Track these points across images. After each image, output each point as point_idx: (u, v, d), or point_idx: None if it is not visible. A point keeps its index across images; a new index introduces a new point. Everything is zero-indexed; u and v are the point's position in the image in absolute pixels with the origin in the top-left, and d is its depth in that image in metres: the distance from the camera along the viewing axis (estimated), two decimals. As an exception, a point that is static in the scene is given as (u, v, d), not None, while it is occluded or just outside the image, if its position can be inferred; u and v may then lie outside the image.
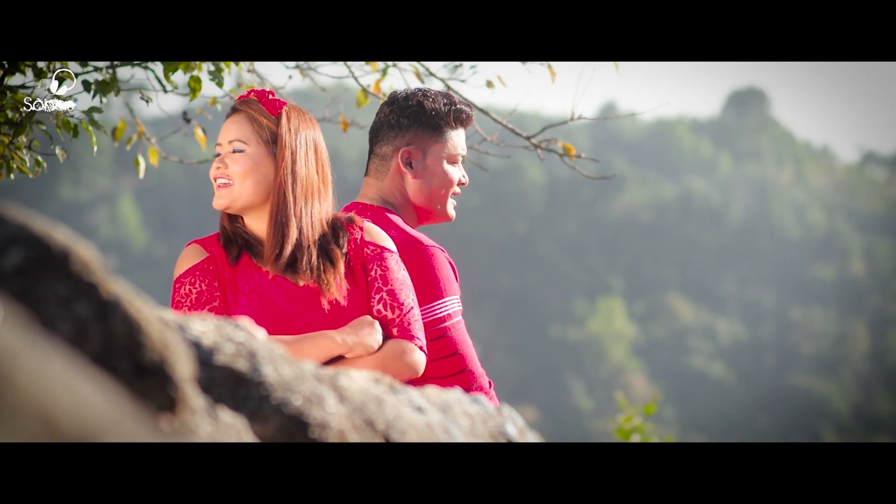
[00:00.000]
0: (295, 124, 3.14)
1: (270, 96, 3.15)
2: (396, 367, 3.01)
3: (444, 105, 3.48)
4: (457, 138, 3.52)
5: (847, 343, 56.66)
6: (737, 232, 60.85)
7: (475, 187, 53.34)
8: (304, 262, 3.07)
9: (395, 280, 3.11)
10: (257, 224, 3.13)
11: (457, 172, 3.52)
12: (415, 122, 3.47)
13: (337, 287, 3.07)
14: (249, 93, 3.18)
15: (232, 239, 3.12)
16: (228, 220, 3.14)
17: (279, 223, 3.08)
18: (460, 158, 3.54)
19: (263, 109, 3.13)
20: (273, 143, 3.11)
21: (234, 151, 3.11)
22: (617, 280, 58.06)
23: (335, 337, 2.99)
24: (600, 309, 55.42)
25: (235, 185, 3.10)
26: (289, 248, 3.07)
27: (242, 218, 3.15)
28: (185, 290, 3.05)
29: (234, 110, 3.16)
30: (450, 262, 3.39)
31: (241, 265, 3.09)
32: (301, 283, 3.07)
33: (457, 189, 3.53)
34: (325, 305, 3.06)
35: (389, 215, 3.41)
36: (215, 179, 3.12)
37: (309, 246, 3.08)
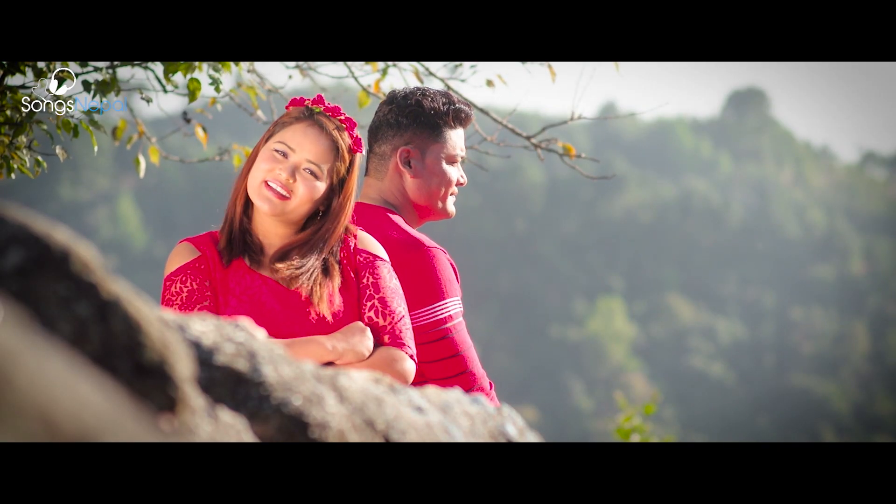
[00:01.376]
0: (358, 163, 3.17)
1: (355, 132, 3.14)
2: (386, 374, 3.00)
3: (444, 104, 3.48)
4: (456, 138, 3.51)
5: (847, 343, 56.66)
6: (737, 232, 60.84)
7: (475, 187, 53.32)
8: (303, 275, 3.07)
9: (386, 288, 3.11)
10: (273, 227, 3.11)
11: (455, 172, 3.51)
12: (414, 121, 3.46)
13: (328, 300, 3.07)
14: (340, 115, 3.14)
15: (234, 240, 3.10)
16: (240, 221, 3.11)
17: (315, 246, 3.09)
18: (459, 158, 3.53)
19: (349, 147, 3.12)
20: (339, 182, 3.12)
21: (308, 171, 3.08)
22: (617, 280, 58.05)
23: (325, 343, 2.99)
24: (600, 309, 55.41)
25: (293, 202, 3.07)
26: (306, 265, 3.08)
27: (253, 220, 3.13)
28: (175, 287, 3.04)
29: (325, 130, 3.10)
30: (451, 264, 3.38)
31: (233, 266, 3.08)
32: (293, 288, 3.07)
33: (455, 189, 3.53)
34: (314, 313, 3.06)
35: (391, 216, 3.41)
36: (274, 182, 3.06)
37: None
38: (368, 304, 3.10)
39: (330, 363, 2.98)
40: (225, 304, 3.03)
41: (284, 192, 3.06)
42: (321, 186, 3.09)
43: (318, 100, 3.15)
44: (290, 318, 3.04)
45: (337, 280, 3.10)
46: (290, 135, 3.10)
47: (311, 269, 3.07)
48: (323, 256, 3.10)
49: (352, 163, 3.13)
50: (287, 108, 3.18)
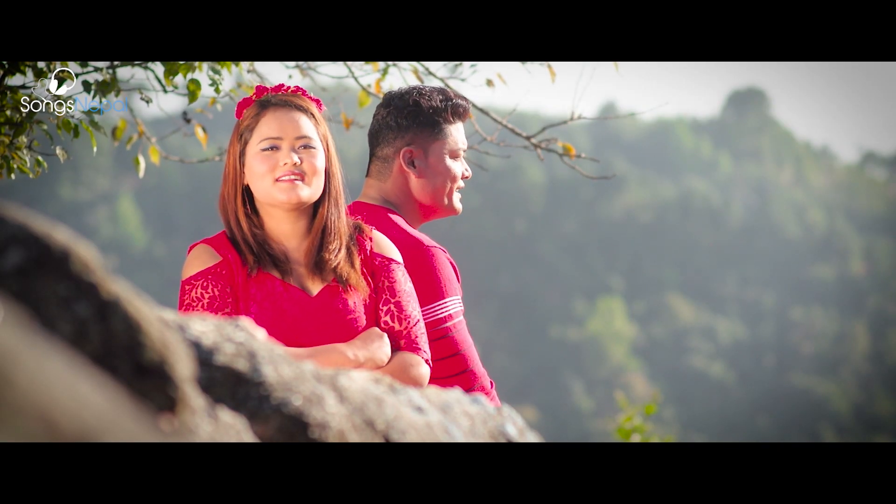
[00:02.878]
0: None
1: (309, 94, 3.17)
2: (402, 379, 3.01)
3: (441, 101, 3.49)
4: (456, 133, 3.52)
5: (847, 343, 56.66)
6: (737, 232, 60.85)
7: (475, 187, 53.35)
8: (334, 258, 3.06)
9: (402, 292, 3.12)
10: (290, 226, 3.09)
11: (459, 167, 3.53)
12: (413, 121, 3.47)
13: (356, 281, 3.07)
14: (287, 88, 3.13)
15: (248, 244, 3.06)
16: (248, 223, 3.08)
17: (332, 223, 3.09)
18: (461, 152, 3.54)
19: (316, 108, 3.12)
20: (324, 142, 3.12)
21: (304, 147, 3.06)
22: (617, 280, 58.06)
23: (347, 352, 2.99)
24: (600, 309, 55.41)
25: (311, 180, 3.05)
26: (332, 246, 3.08)
27: (267, 227, 3.10)
28: (196, 293, 3.01)
29: (289, 105, 3.08)
30: (451, 263, 3.39)
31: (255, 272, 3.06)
32: (317, 290, 3.06)
33: (461, 183, 3.54)
34: (338, 311, 3.05)
35: (391, 215, 3.42)
36: (286, 174, 3.04)
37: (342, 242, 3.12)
38: (385, 308, 3.10)
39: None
40: (246, 310, 3.01)
41: (297, 176, 3.04)
42: (322, 153, 3.09)
43: (262, 89, 3.14)
44: (312, 323, 3.03)
45: (358, 263, 3.10)
46: (266, 128, 3.07)
47: (339, 253, 3.07)
48: (345, 227, 3.12)
49: (322, 122, 3.14)
50: (238, 113, 3.14)
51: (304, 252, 3.08)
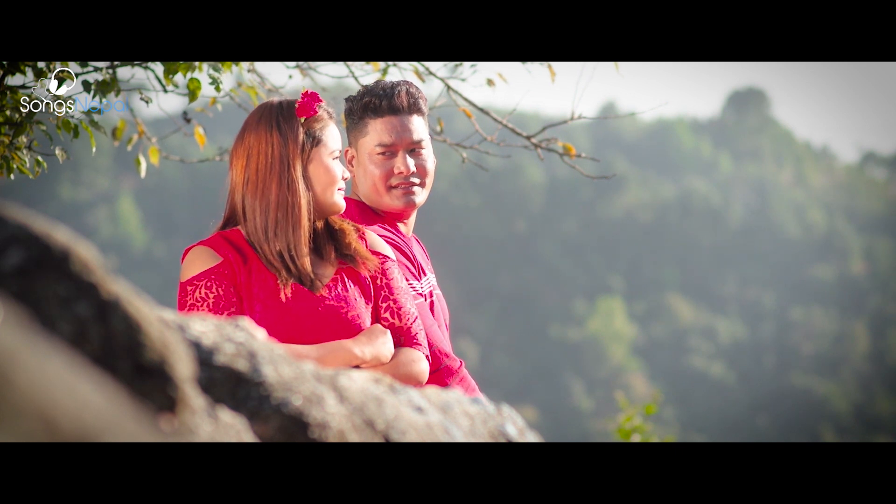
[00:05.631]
0: None
1: None
2: (404, 374, 3.05)
3: (357, 99, 3.45)
4: (381, 129, 3.41)
5: (847, 343, 56.67)
6: (737, 232, 60.86)
7: (475, 187, 53.33)
8: (344, 239, 3.14)
9: (399, 289, 3.17)
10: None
11: (385, 164, 3.42)
12: (348, 122, 3.49)
13: (365, 252, 3.12)
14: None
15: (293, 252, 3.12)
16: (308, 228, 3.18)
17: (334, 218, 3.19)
18: (384, 150, 3.40)
19: None
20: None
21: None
22: (617, 280, 58.06)
23: (354, 349, 3.02)
24: (600, 309, 55.42)
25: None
26: (337, 232, 3.16)
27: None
28: (200, 293, 3.01)
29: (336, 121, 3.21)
30: (407, 247, 3.36)
31: (255, 271, 3.06)
32: (319, 288, 3.07)
33: (395, 181, 3.41)
34: (341, 308, 3.07)
35: (356, 206, 3.42)
36: (343, 183, 3.17)
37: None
38: (384, 305, 3.14)
39: (355, 367, 3.01)
40: (250, 309, 3.02)
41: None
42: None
43: (316, 97, 3.14)
44: (316, 320, 3.05)
45: (362, 246, 3.16)
46: (332, 139, 3.15)
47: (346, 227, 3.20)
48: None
49: None
50: (303, 111, 3.11)
51: (310, 248, 3.11)
